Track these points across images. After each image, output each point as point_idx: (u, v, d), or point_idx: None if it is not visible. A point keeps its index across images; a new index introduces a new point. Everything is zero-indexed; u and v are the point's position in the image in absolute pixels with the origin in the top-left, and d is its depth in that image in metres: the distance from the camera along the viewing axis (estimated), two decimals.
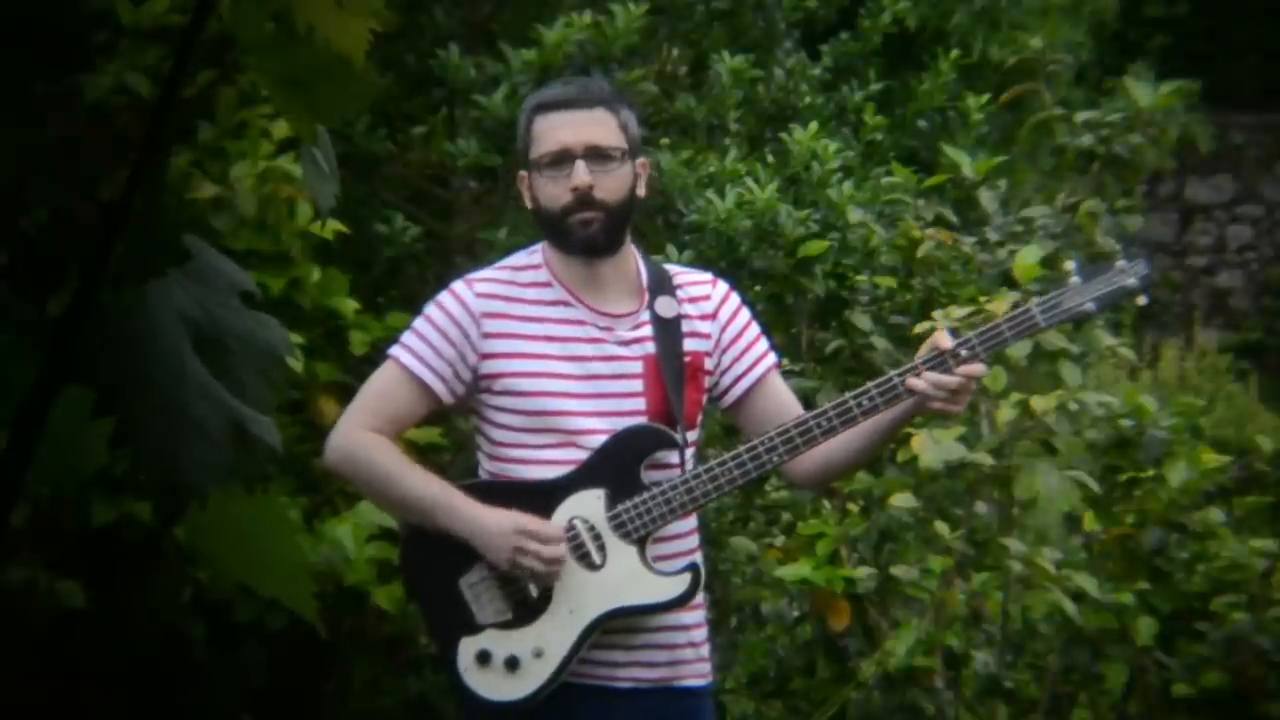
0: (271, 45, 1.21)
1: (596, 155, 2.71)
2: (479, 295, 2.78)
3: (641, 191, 2.82)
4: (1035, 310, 2.73)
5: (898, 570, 4.01)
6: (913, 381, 2.67)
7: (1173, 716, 4.26)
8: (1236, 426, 7.93)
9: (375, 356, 4.34)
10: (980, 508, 4.21)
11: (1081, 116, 4.41)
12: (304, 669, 4.25)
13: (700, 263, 4.29)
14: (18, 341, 1.18)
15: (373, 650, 4.28)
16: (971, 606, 4.26)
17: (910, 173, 4.54)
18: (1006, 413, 3.97)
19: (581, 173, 2.70)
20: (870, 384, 2.71)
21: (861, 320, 4.29)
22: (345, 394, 4.23)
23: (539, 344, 2.76)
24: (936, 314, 4.03)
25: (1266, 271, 13.42)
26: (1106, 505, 4.25)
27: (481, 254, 4.58)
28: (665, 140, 4.65)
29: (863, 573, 3.99)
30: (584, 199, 2.71)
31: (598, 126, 2.73)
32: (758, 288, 4.41)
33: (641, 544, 2.71)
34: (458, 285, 2.81)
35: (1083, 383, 4.04)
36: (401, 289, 4.76)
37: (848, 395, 2.71)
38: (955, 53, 5.11)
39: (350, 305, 4.16)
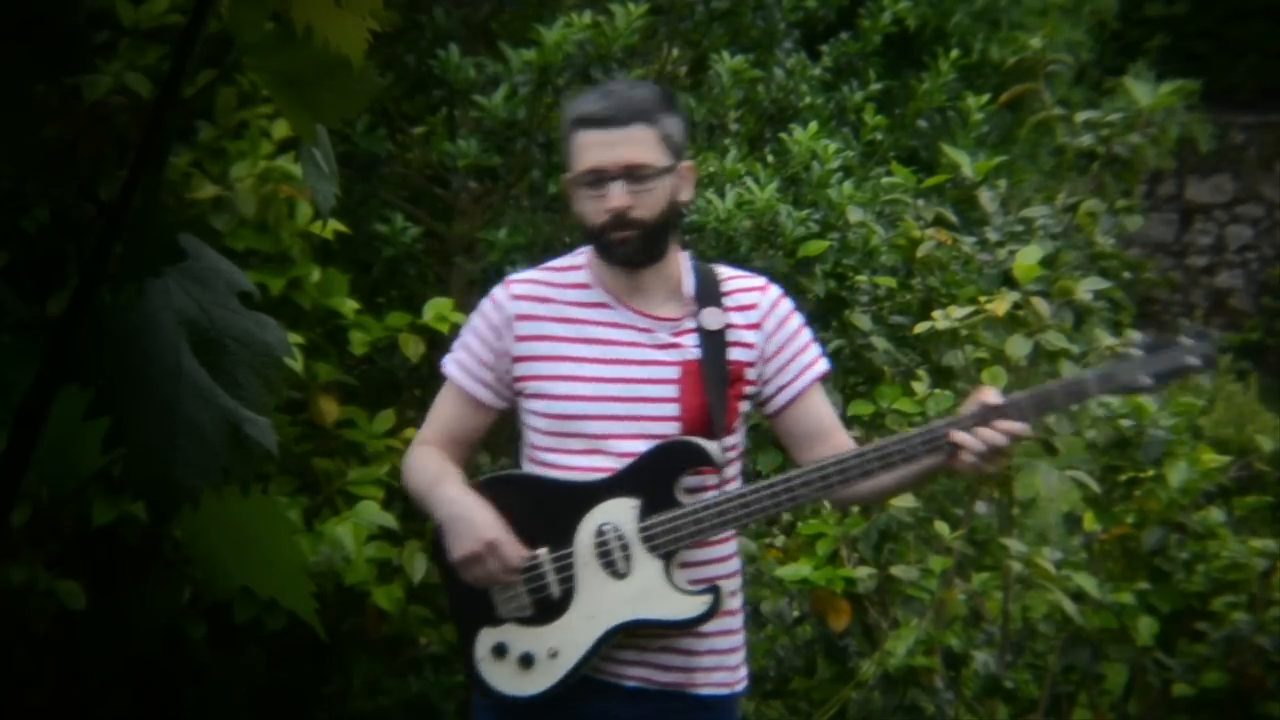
0: (271, 45, 1.21)
1: (633, 175, 2.68)
2: (514, 297, 2.78)
3: (686, 196, 2.79)
4: (1090, 379, 2.73)
5: (898, 570, 4.00)
6: (957, 435, 2.65)
7: (1173, 716, 4.26)
8: (1236, 426, 7.93)
9: (375, 356, 4.36)
10: (980, 508, 4.21)
11: (1081, 116, 4.40)
12: (304, 669, 4.25)
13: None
14: (18, 341, 1.18)
15: (373, 650, 4.28)
16: (971, 606, 4.26)
17: (910, 173, 4.54)
18: None
19: (616, 195, 2.67)
20: (915, 432, 2.71)
21: (861, 320, 4.29)
22: (345, 394, 4.24)
23: (573, 346, 2.75)
24: (936, 314, 4.03)
25: (1266, 271, 13.42)
26: (1106, 505, 4.24)
27: (482, 254, 4.58)
28: None
29: (863, 573, 3.99)
30: (620, 220, 2.68)
31: (634, 145, 2.68)
32: None
33: (668, 559, 2.70)
34: (497, 288, 2.82)
35: None
36: (401, 289, 4.76)
37: (890, 440, 2.71)
38: (955, 53, 5.10)
39: (350, 305, 4.16)
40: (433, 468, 2.79)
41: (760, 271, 4.34)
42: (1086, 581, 4.02)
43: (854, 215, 4.35)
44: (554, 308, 2.77)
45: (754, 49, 4.93)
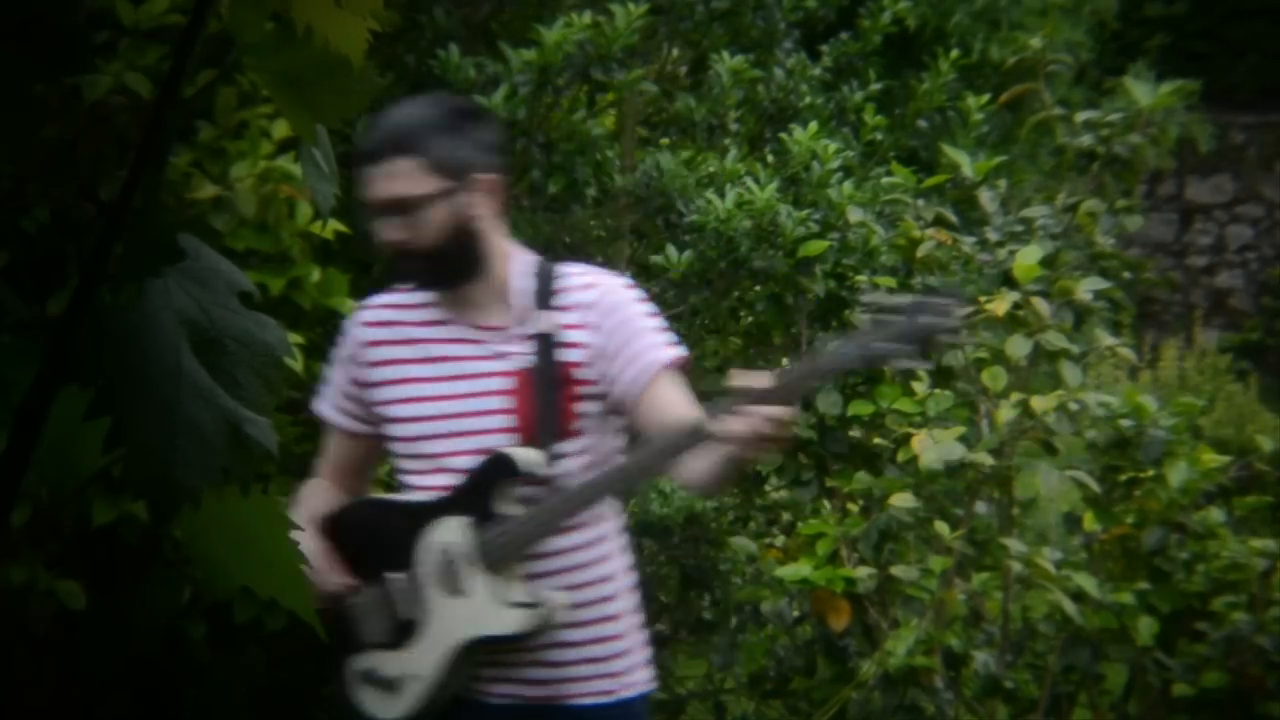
0: (271, 45, 1.21)
1: (399, 208, 2.65)
2: (362, 324, 2.81)
3: (485, 210, 2.69)
4: (844, 353, 2.53)
5: (898, 570, 4.01)
6: (709, 425, 2.50)
7: (1173, 716, 4.26)
8: (1236, 426, 7.93)
9: None
10: (980, 508, 4.20)
11: (1081, 116, 4.40)
12: (304, 669, 4.25)
13: (700, 263, 4.29)
14: (18, 341, 1.18)
15: None
16: (971, 606, 4.26)
17: (910, 173, 4.54)
18: (1006, 413, 3.97)
19: (386, 230, 2.66)
20: (680, 426, 2.56)
21: (862, 320, 4.28)
22: None
23: (417, 367, 2.74)
24: None
25: (1266, 271, 13.42)
26: (1106, 505, 4.24)
27: None
28: (665, 140, 4.65)
29: (863, 573, 3.99)
30: (401, 251, 2.67)
31: (393, 179, 2.64)
32: (758, 288, 4.41)
33: (499, 573, 2.66)
34: (350, 317, 2.86)
35: (1083, 383, 4.04)
36: None
37: (660, 436, 2.60)
38: (955, 53, 5.10)
39: (350, 305, 4.15)
40: (293, 501, 2.86)
41: (760, 271, 4.38)
42: (1086, 581, 4.02)
43: (854, 215, 4.35)
44: (400, 330, 2.77)
45: (754, 49, 4.93)
